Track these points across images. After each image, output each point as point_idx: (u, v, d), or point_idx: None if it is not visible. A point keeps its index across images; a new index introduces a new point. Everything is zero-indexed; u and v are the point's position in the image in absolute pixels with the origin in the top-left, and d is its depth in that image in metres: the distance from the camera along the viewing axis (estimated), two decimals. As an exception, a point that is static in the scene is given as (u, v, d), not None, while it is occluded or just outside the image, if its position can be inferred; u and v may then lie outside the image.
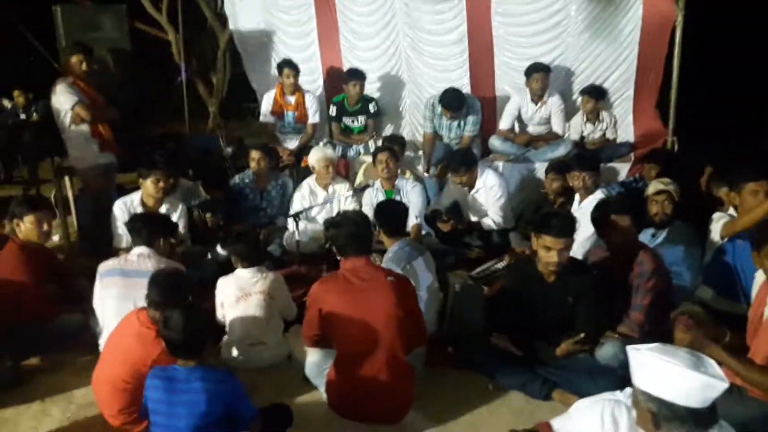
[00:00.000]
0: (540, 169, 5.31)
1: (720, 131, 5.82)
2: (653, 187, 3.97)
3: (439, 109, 5.56)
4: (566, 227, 3.01)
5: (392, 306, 2.69)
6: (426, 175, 5.61)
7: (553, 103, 5.53)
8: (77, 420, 2.95)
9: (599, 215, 3.26)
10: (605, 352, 3.06)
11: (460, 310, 3.37)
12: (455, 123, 5.60)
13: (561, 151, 5.35)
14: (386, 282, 2.72)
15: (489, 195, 4.86)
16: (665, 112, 5.38)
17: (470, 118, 5.56)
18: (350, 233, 2.79)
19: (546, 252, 3.03)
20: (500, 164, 5.49)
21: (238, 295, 3.27)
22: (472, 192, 4.95)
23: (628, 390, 2.07)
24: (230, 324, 3.29)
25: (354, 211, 3.55)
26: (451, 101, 5.39)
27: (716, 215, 3.79)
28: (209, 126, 7.75)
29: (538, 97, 5.53)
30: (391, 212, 3.34)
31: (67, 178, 5.26)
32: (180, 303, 2.52)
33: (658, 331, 2.88)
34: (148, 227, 3.40)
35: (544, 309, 3.15)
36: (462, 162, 4.80)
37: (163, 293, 2.72)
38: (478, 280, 3.78)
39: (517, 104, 5.63)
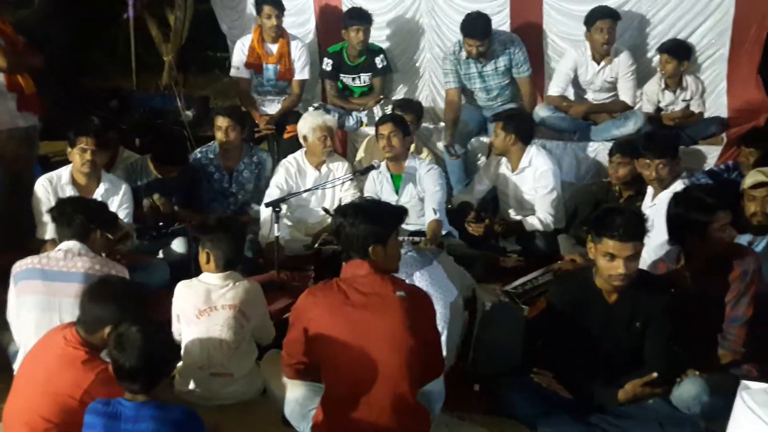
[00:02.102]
0: (602, 150, 5.29)
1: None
2: (752, 178, 3.93)
3: (463, 53, 5.54)
4: (635, 228, 2.99)
5: (400, 331, 2.66)
6: (447, 153, 5.59)
7: (621, 63, 5.48)
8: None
9: (680, 212, 3.24)
10: (684, 392, 3.04)
11: (490, 336, 3.37)
12: (490, 66, 5.57)
13: (630, 127, 5.32)
14: (394, 299, 2.70)
15: (538, 183, 4.89)
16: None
17: (515, 52, 5.53)
18: (371, 229, 2.75)
19: (608, 261, 3.01)
20: (548, 143, 5.47)
21: (201, 308, 3.26)
22: (516, 172, 4.98)
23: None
24: (187, 347, 3.28)
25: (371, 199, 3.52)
26: (474, 24, 5.35)
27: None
28: (163, 81, 7.72)
29: (601, 54, 5.48)
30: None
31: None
32: (138, 318, 2.55)
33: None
34: (80, 215, 3.38)
35: (603, 337, 3.14)
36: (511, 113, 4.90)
37: (99, 307, 2.72)
38: (515, 297, 3.75)
39: (573, 62, 5.59)
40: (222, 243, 3.33)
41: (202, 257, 3.37)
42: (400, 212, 2.91)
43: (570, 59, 5.61)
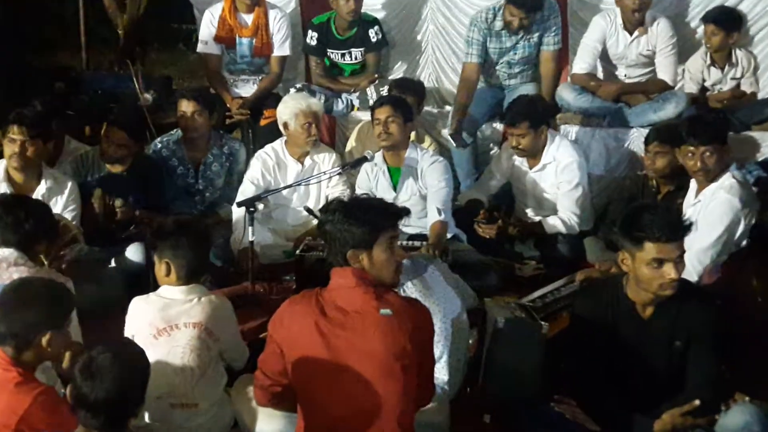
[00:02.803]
0: (637, 138, 5.29)
1: None
2: (813, 171, 3.95)
3: (498, 23, 5.52)
4: (678, 223, 3.00)
5: (384, 357, 2.63)
6: (453, 142, 5.58)
7: (660, 33, 5.47)
8: None
9: None
10: (731, 422, 3.02)
11: (503, 358, 3.36)
12: (525, 40, 5.57)
13: (670, 109, 5.31)
14: (376, 318, 2.66)
15: (561, 178, 4.87)
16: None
17: (550, 21, 5.53)
18: (351, 230, 2.70)
19: (655, 269, 2.99)
20: (573, 130, 5.47)
21: (160, 326, 3.24)
22: (535, 169, 4.96)
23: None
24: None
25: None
26: None
27: None
28: (118, 58, 7.71)
29: (633, 23, 5.48)
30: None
31: None
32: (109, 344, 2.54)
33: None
34: (17, 218, 3.37)
35: (638, 358, 3.14)
36: (527, 108, 4.83)
37: (27, 313, 2.70)
38: (533, 312, 3.74)
39: (600, 32, 5.58)
40: (183, 250, 3.29)
41: (160, 268, 3.35)
42: (395, 212, 2.86)
43: (597, 29, 5.59)
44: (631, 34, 5.51)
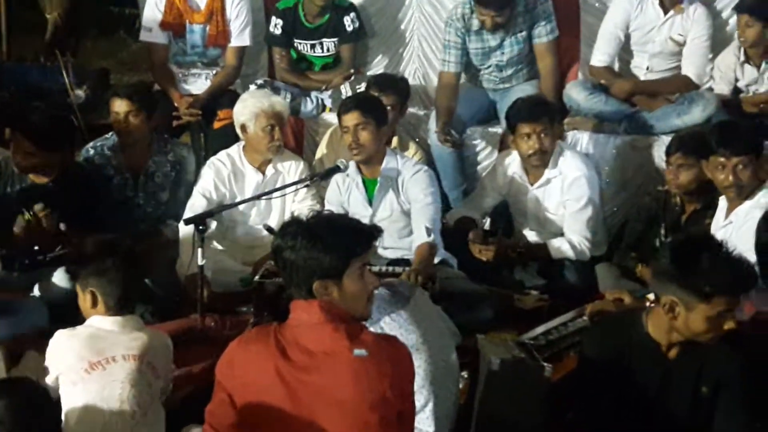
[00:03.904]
0: (658, 146, 5.31)
1: None
2: None
3: (473, 20, 5.57)
4: (746, 271, 3.01)
5: (361, 406, 2.62)
6: (438, 140, 5.56)
7: (697, 18, 5.51)
8: None
9: None
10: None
11: (499, 405, 3.34)
12: (507, 37, 5.61)
13: (696, 113, 5.34)
14: (349, 360, 2.65)
15: (567, 195, 4.89)
16: None
17: (540, 13, 5.57)
18: (316, 257, 2.69)
19: (714, 321, 2.97)
20: (584, 137, 5.51)
21: (93, 359, 3.22)
22: (537, 185, 4.98)
23: None
24: (69, 415, 3.19)
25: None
26: None
27: None
28: (45, 47, 7.67)
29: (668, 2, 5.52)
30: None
31: None
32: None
33: None
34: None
35: (659, 407, 3.14)
36: (543, 102, 4.91)
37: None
38: (534, 351, 3.73)
39: (624, 15, 5.63)
40: (109, 276, 3.30)
41: (85, 300, 3.35)
42: (368, 232, 2.85)
43: (620, 11, 5.64)
44: (666, 11, 5.55)
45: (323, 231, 2.72)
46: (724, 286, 2.94)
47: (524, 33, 5.63)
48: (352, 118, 4.67)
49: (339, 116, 4.80)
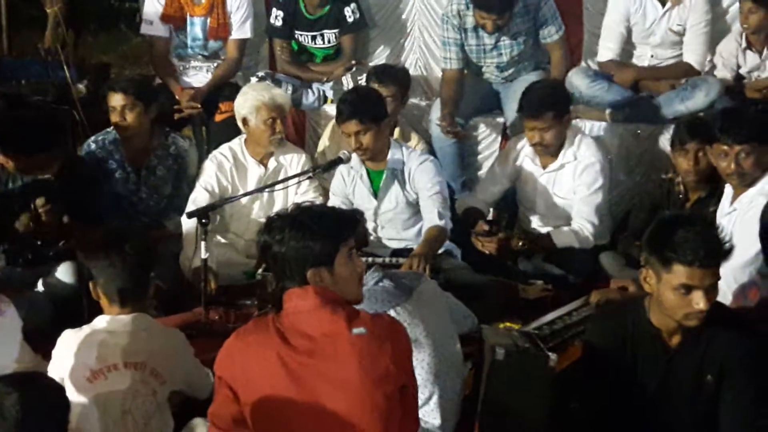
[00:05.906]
0: (662, 134, 5.32)
1: None
2: None
3: (468, 17, 5.56)
4: (715, 249, 2.97)
5: (363, 384, 2.64)
6: (440, 129, 5.57)
7: (695, 5, 5.52)
8: None
9: None
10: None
11: (503, 396, 3.34)
12: (505, 38, 5.61)
13: (699, 99, 5.36)
14: (350, 339, 2.67)
15: (579, 181, 4.90)
16: None
17: (546, 13, 5.56)
18: (306, 246, 2.73)
19: (682, 295, 2.98)
20: (586, 126, 5.51)
21: (95, 368, 3.21)
22: (550, 169, 4.99)
23: None
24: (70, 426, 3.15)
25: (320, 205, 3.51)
26: None
27: None
28: (46, 43, 7.67)
29: None
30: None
31: None
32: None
33: None
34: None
35: (663, 396, 3.14)
36: (549, 94, 4.85)
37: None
38: (539, 341, 3.71)
39: (624, 9, 5.64)
40: (114, 269, 3.29)
41: (96, 294, 3.36)
42: (351, 217, 2.90)
43: (619, 7, 5.65)
44: (664, 4, 5.56)
45: (309, 220, 2.76)
46: (683, 255, 2.92)
47: (523, 34, 5.61)
48: (351, 127, 4.63)
49: (338, 122, 4.77)
